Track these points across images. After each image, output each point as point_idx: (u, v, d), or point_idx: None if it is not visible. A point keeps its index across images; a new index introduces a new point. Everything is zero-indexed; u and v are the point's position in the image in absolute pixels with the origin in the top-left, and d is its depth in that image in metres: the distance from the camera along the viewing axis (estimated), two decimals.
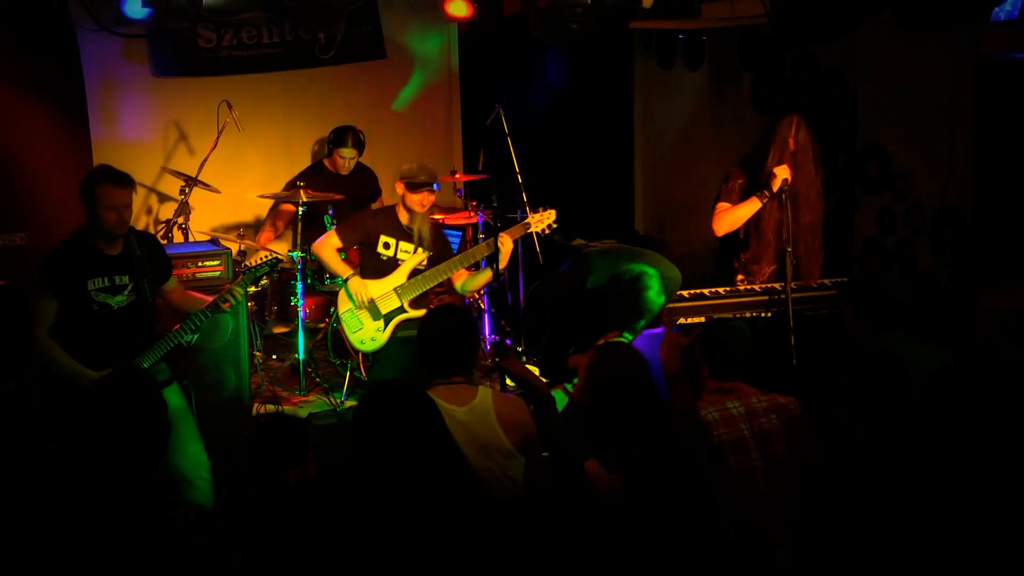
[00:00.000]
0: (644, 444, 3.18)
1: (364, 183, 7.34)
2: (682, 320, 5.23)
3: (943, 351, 3.99)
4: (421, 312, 5.11)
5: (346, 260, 5.58)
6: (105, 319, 4.34)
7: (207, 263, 5.92)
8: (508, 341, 7.18)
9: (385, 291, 5.41)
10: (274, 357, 7.08)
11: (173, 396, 4.53)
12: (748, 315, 5.25)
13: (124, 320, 4.39)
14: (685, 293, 5.37)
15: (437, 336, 3.66)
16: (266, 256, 4.92)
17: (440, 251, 5.51)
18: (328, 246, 5.45)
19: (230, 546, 2.75)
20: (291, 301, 6.59)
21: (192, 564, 2.61)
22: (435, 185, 5.35)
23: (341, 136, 7.06)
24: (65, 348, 4.29)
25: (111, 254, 4.38)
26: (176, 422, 4.50)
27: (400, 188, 5.37)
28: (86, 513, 2.59)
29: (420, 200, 5.33)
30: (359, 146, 7.11)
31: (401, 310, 5.39)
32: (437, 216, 6.74)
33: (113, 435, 2.69)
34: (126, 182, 4.34)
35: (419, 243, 5.41)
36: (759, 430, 3.68)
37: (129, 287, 4.39)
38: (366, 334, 5.44)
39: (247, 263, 6.53)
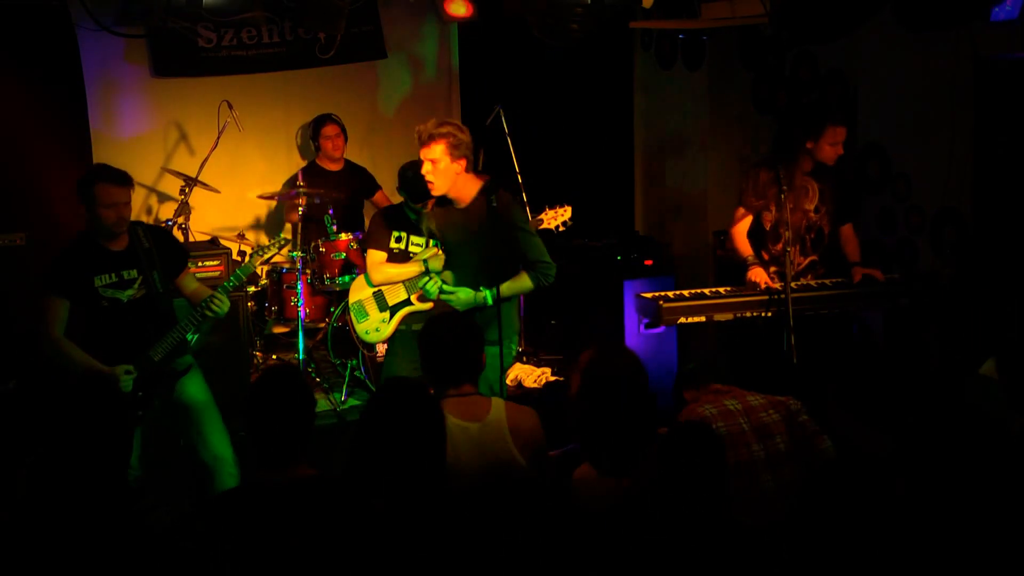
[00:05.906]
0: (640, 447, 3.15)
1: (361, 181, 7.35)
2: (682, 320, 5.23)
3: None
4: (427, 306, 5.10)
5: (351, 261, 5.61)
6: (116, 314, 4.37)
7: (207, 263, 5.93)
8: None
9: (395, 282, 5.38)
10: (274, 357, 7.08)
11: (194, 387, 4.55)
12: (748, 315, 5.25)
13: (136, 313, 4.42)
14: (686, 293, 5.37)
15: (437, 345, 3.57)
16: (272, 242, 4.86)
17: None
18: (378, 268, 5.39)
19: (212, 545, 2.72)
20: (291, 301, 6.59)
21: (170, 566, 2.59)
22: None
23: (319, 119, 7.25)
24: (81, 345, 4.31)
25: (116, 250, 4.40)
26: (199, 415, 4.51)
27: None
28: (64, 516, 2.58)
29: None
30: (339, 123, 7.23)
31: (407, 303, 5.33)
32: None
33: (70, 440, 2.68)
34: (124, 180, 4.35)
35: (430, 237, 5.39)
36: (758, 423, 3.70)
37: (138, 281, 4.42)
38: (371, 324, 5.41)
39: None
